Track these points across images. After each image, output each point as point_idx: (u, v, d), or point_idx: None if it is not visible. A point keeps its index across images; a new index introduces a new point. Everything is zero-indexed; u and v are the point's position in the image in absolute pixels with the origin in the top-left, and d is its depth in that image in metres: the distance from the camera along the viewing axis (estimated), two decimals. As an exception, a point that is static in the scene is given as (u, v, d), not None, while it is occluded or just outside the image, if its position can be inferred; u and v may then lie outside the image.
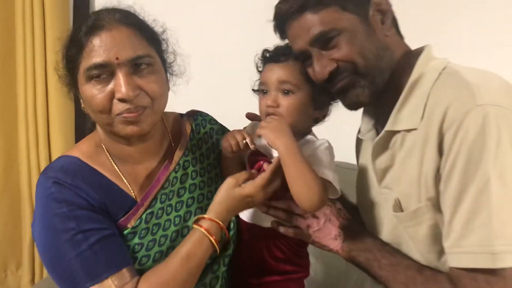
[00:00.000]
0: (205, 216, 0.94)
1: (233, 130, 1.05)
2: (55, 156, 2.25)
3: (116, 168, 0.95)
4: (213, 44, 1.83)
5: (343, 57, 0.90)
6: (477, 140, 0.76)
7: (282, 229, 1.03)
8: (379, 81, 0.92)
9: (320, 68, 0.91)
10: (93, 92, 0.88)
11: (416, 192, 0.87)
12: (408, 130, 0.88)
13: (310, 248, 1.86)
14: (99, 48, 0.86)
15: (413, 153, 0.87)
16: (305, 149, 1.01)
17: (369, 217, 1.04)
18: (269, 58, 1.06)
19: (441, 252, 0.85)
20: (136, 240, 0.92)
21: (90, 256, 0.86)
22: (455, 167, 0.78)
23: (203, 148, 1.07)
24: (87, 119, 2.24)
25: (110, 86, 0.87)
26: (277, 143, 0.93)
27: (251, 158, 1.04)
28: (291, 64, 1.01)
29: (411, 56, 0.92)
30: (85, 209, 0.88)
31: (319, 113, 1.06)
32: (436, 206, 0.84)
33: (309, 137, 1.07)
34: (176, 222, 0.96)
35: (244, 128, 1.09)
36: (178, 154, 1.02)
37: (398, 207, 0.91)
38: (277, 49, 1.06)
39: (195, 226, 0.93)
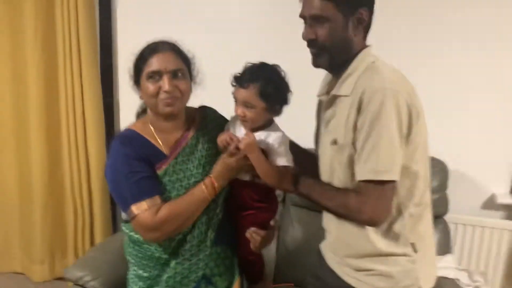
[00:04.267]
0: (210, 175, 1.49)
1: (222, 134, 1.52)
2: (92, 159, 2.77)
3: (156, 136, 1.51)
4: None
5: (320, 36, 1.35)
6: (378, 107, 1.21)
7: (257, 180, 1.52)
8: (337, 59, 1.39)
9: (306, 33, 1.38)
10: (149, 86, 1.43)
11: (343, 135, 1.34)
12: (345, 96, 1.36)
13: (293, 215, 2.36)
14: (156, 62, 1.43)
15: (345, 110, 1.34)
16: (268, 138, 1.48)
17: (318, 150, 1.52)
18: (238, 81, 1.51)
19: (352, 175, 1.33)
20: (167, 178, 1.45)
21: (135, 186, 1.40)
22: (365, 122, 1.24)
23: (209, 127, 1.62)
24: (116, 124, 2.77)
25: (159, 83, 1.43)
26: (249, 155, 1.44)
27: None
28: (250, 89, 1.43)
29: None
30: (135, 159, 1.44)
31: (274, 114, 1.54)
32: (353, 144, 1.32)
33: (269, 130, 1.51)
34: (192, 169, 1.51)
35: (230, 119, 1.62)
36: (193, 130, 1.57)
37: (334, 142, 1.38)
38: (243, 75, 1.50)
39: (202, 182, 1.48)
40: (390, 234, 1.36)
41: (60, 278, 3.04)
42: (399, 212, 1.35)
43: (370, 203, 1.27)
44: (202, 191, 1.47)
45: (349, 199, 1.31)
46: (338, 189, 1.37)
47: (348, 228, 1.39)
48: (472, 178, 2.40)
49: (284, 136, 1.53)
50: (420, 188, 1.36)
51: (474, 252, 2.39)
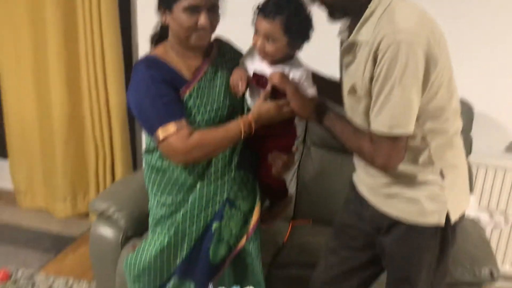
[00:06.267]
0: (248, 115, 1.47)
1: (235, 71, 1.51)
2: (112, 100, 2.77)
3: (178, 61, 1.50)
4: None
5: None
6: (392, 61, 1.18)
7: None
8: (349, 9, 1.32)
9: None
10: (186, 18, 1.39)
11: (360, 84, 1.33)
12: (364, 42, 1.30)
13: (313, 154, 2.36)
14: None
15: (363, 58, 1.30)
16: (291, 73, 1.46)
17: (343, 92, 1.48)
18: (261, 10, 1.40)
19: (369, 123, 1.32)
20: (191, 102, 1.46)
21: (163, 109, 1.40)
22: (380, 75, 1.21)
23: (226, 57, 1.59)
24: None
25: (196, 17, 1.39)
26: (285, 88, 1.42)
27: (254, 76, 1.51)
28: (274, 21, 1.36)
29: None
30: (161, 81, 1.42)
31: (295, 50, 1.49)
32: (369, 95, 1.30)
33: (291, 64, 1.48)
34: (214, 95, 1.50)
35: (245, 53, 1.58)
36: (212, 57, 1.54)
37: (353, 90, 1.37)
38: (268, 5, 1.38)
39: (239, 118, 1.47)
40: (417, 162, 1.36)
41: (83, 215, 3.13)
42: (426, 143, 1.34)
43: (382, 153, 1.29)
44: (239, 129, 1.46)
45: (363, 145, 1.33)
46: (355, 131, 1.38)
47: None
48: (496, 120, 2.36)
49: (307, 70, 1.50)
50: (448, 119, 1.35)
51: (494, 194, 2.38)
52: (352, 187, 1.61)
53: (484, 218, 2.02)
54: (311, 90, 1.48)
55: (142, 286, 1.61)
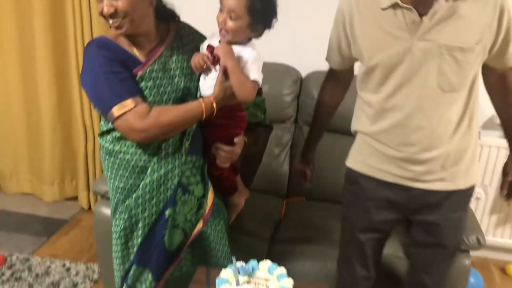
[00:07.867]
0: (209, 96, 1.47)
1: (195, 55, 1.51)
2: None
3: (130, 43, 1.47)
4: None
5: None
6: None
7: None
8: None
9: None
10: (97, 5, 1.39)
11: (487, 36, 1.32)
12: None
13: (305, 134, 2.44)
14: None
15: (482, 12, 1.30)
16: (242, 52, 1.47)
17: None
18: None
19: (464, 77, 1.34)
20: (144, 83, 1.44)
21: (119, 86, 1.39)
22: None
23: (183, 41, 1.56)
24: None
25: (102, 4, 1.37)
26: (226, 62, 1.44)
27: (208, 47, 1.51)
28: None
29: None
30: (114, 61, 1.40)
31: (254, 34, 1.51)
32: (488, 45, 1.33)
33: (246, 47, 1.48)
34: (168, 78, 1.49)
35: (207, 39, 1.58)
36: (168, 41, 1.52)
37: (460, 49, 1.32)
38: None
39: (201, 99, 1.47)
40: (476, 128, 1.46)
41: (71, 199, 3.13)
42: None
43: None
44: (200, 109, 1.47)
45: None
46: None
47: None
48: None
49: (259, 55, 1.51)
50: None
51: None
52: (367, 182, 1.55)
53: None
54: (255, 75, 1.49)
55: (118, 271, 1.66)
